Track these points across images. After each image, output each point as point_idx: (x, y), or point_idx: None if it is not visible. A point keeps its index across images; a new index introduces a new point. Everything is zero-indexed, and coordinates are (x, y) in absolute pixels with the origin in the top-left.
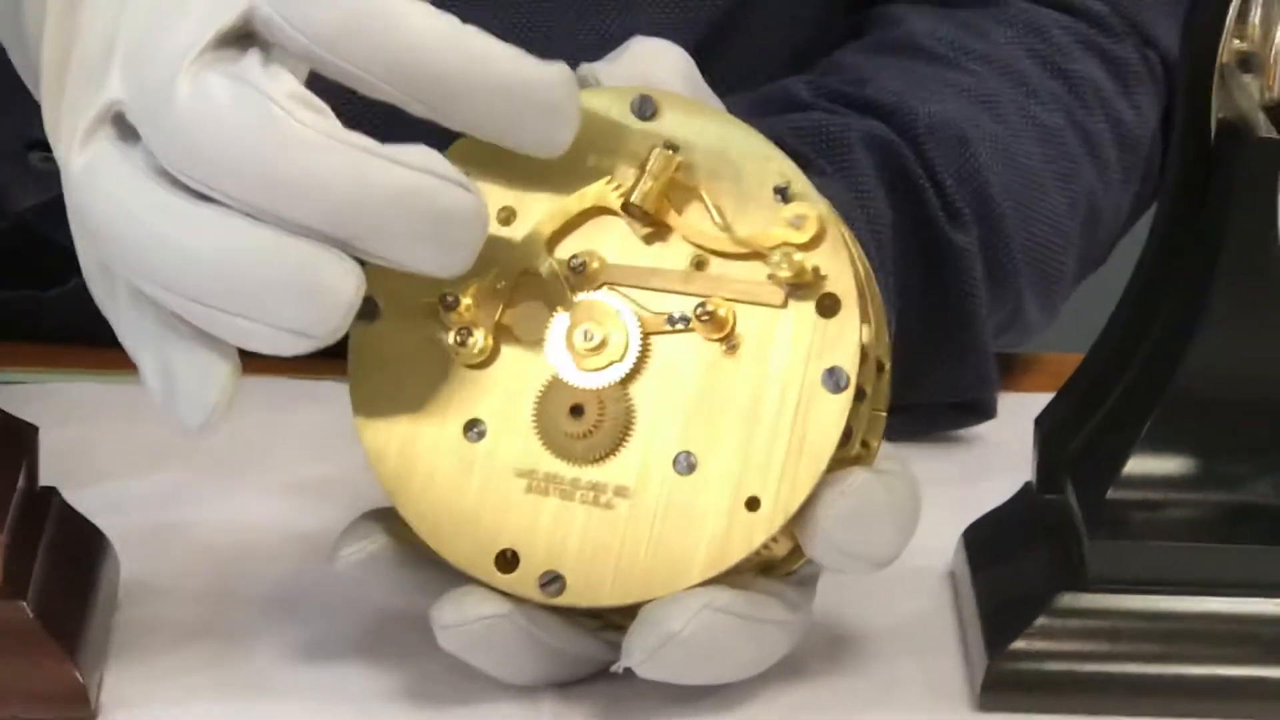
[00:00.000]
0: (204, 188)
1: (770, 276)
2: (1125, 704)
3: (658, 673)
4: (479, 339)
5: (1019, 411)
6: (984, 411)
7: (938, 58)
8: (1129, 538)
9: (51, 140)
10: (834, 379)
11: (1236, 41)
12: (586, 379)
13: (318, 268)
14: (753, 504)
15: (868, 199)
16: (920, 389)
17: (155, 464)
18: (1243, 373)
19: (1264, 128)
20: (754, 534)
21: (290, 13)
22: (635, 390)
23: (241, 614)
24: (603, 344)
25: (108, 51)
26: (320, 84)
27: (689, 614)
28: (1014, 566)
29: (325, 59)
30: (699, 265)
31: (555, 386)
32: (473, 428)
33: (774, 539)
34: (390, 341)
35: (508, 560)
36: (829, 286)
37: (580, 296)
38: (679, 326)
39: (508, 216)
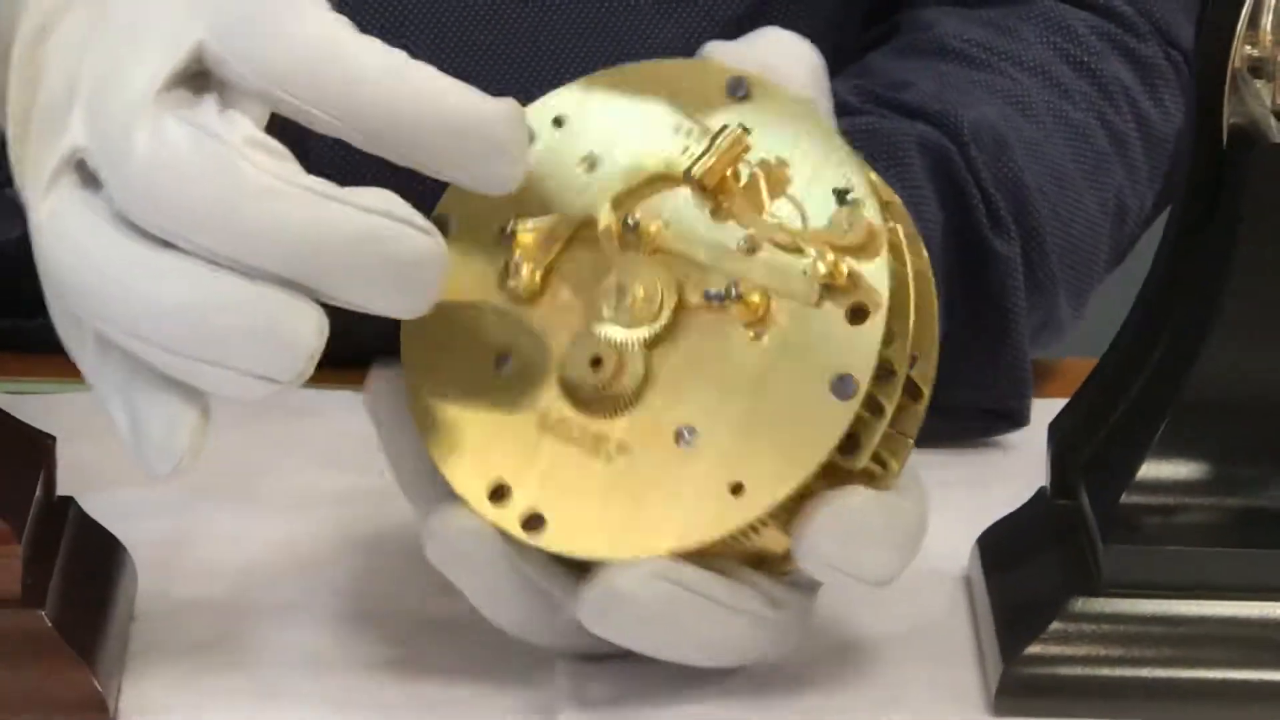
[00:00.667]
0: (165, 235)
1: (807, 272)
2: (1139, 708)
3: (603, 629)
4: (526, 275)
5: (1034, 417)
6: (1016, 419)
7: (969, 59)
8: (1143, 542)
9: (18, 185)
10: (843, 386)
11: (1248, 47)
12: (613, 334)
13: (280, 313)
14: (737, 489)
15: (922, 205)
16: (954, 395)
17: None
18: (1255, 377)
19: (1276, 133)
20: (730, 519)
21: (238, 49)
22: (657, 355)
23: (257, 623)
24: (637, 303)
25: (69, 96)
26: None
27: (640, 579)
28: (1028, 571)
29: (274, 95)
30: (751, 250)
31: (585, 336)
32: (503, 360)
33: (755, 530)
34: (451, 262)
35: (499, 493)
36: (861, 295)
37: (630, 256)
38: (714, 303)
39: (590, 165)
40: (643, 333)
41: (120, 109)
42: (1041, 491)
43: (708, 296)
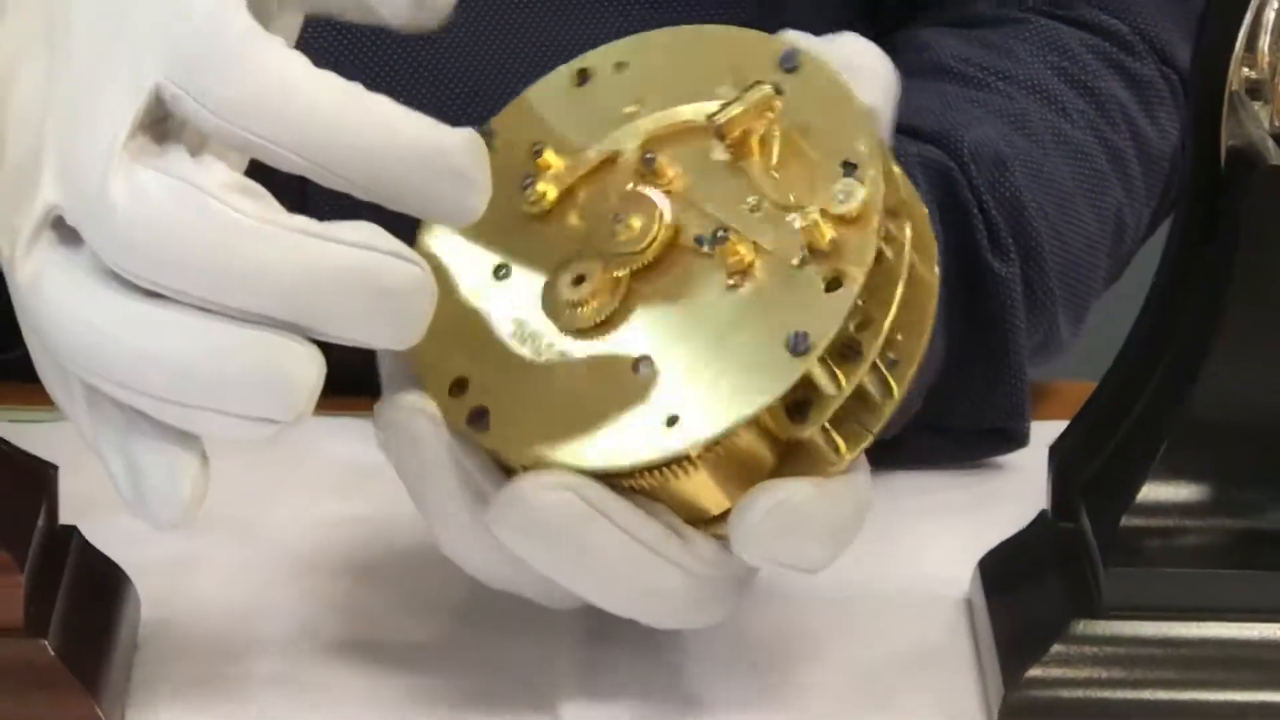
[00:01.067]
0: (153, 286)
1: (793, 229)
2: None
3: (503, 532)
4: (540, 190)
5: (1034, 439)
6: (1016, 439)
7: (967, 79)
8: (1143, 564)
9: None
10: (796, 342)
11: (1245, 70)
12: (602, 258)
13: (276, 355)
14: (672, 422)
15: None
16: (953, 414)
17: None
18: (1255, 399)
19: (1274, 155)
20: (657, 448)
21: (194, 89)
22: (637, 286)
23: (260, 650)
24: (631, 234)
25: (37, 153)
26: None
27: (544, 486)
28: (1030, 594)
29: (233, 133)
30: (755, 209)
31: (577, 256)
32: (503, 269)
33: (684, 469)
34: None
35: (457, 387)
36: (840, 264)
37: (638, 190)
38: (704, 248)
39: (635, 108)
40: (630, 262)
41: (91, 163)
42: (1043, 514)
43: (697, 240)
